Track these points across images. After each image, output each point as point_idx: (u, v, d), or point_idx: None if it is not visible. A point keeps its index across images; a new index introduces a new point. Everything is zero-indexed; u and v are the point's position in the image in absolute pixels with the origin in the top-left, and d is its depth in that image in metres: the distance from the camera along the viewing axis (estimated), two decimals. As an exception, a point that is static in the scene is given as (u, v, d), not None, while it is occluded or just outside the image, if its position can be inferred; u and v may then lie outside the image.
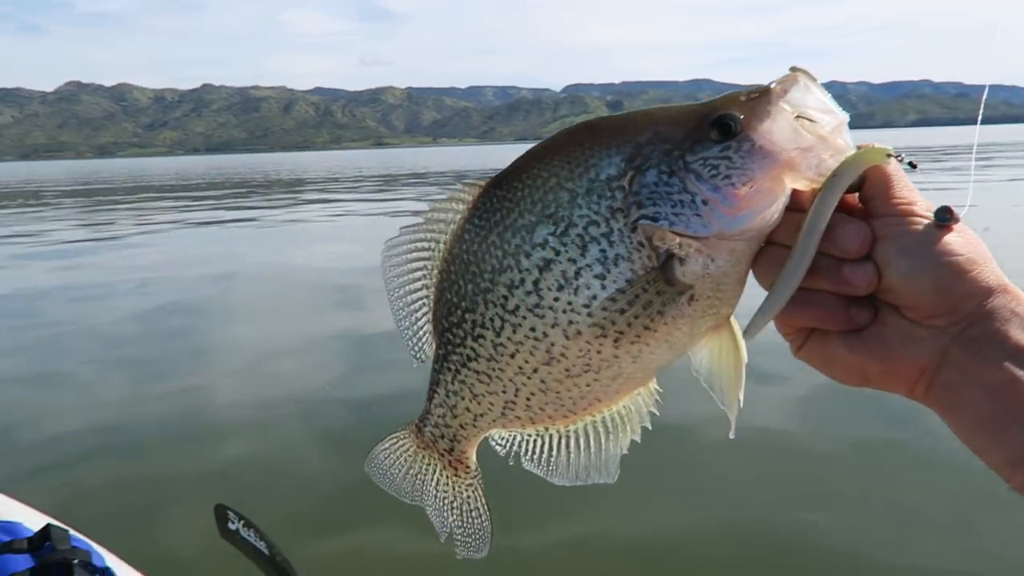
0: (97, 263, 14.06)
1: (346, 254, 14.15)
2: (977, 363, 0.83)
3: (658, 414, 1.11)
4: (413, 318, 1.16)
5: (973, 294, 0.84)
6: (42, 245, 17.00)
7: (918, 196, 0.89)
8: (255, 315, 9.47)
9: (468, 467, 1.21)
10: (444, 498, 1.24)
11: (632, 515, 4.17)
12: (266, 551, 2.37)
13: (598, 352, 1.01)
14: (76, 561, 2.12)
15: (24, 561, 2.12)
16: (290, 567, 2.37)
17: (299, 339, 8.20)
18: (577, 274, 0.98)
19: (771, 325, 0.97)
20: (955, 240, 0.86)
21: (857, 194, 0.92)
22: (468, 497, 1.23)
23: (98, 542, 2.41)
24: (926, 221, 0.87)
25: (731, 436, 1.00)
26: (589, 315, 0.98)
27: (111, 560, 2.39)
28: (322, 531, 4.09)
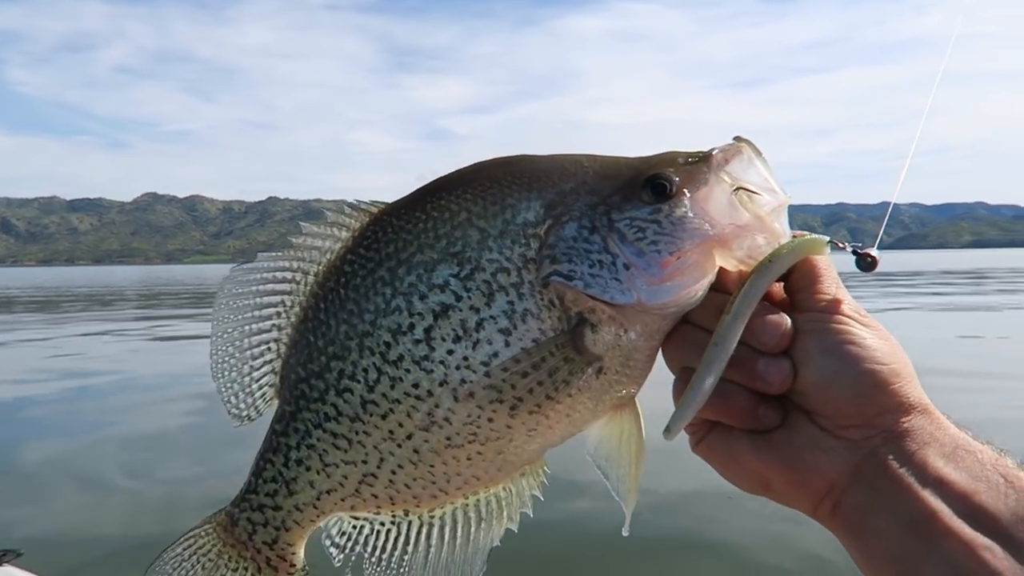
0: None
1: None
2: (892, 488, 0.76)
3: (543, 499, 0.93)
4: (251, 365, 0.94)
5: (892, 409, 0.78)
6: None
7: (847, 295, 0.83)
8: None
9: (293, 565, 0.97)
10: None
11: None
12: None
13: (489, 420, 0.86)
14: None
15: None
16: None
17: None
18: (479, 326, 0.85)
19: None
20: (881, 348, 0.80)
21: (782, 284, 0.86)
22: None
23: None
24: (855, 322, 0.81)
25: (624, 533, 0.89)
26: (487, 375, 0.84)
27: None
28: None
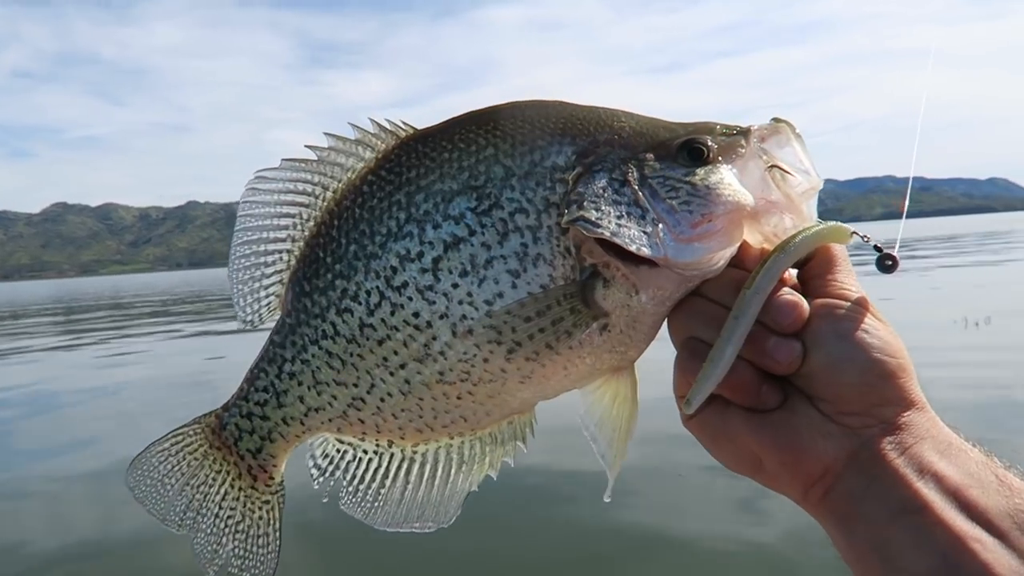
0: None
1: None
2: (886, 477, 0.76)
3: (526, 451, 0.92)
4: (261, 271, 0.94)
5: (894, 401, 0.78)
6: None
7: (860, 287, 0.83)
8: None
9: (272, 478, 0.97)
10: (228, 518, 0.97)
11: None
12: None
13: (484, 360, 0.85)
14: None
15: None
16: None
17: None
18: (488, 263, 0.83)
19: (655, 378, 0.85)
20: (892, 342, 0.80)
21: (795, 271, 0.85)
22: (260, 518, 0.97)
23: None
24: (868, 314, 0.81)
25: (606, 499, 0.89)
26: (488, 314, 0.83)
27: None
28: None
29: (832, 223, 0.84)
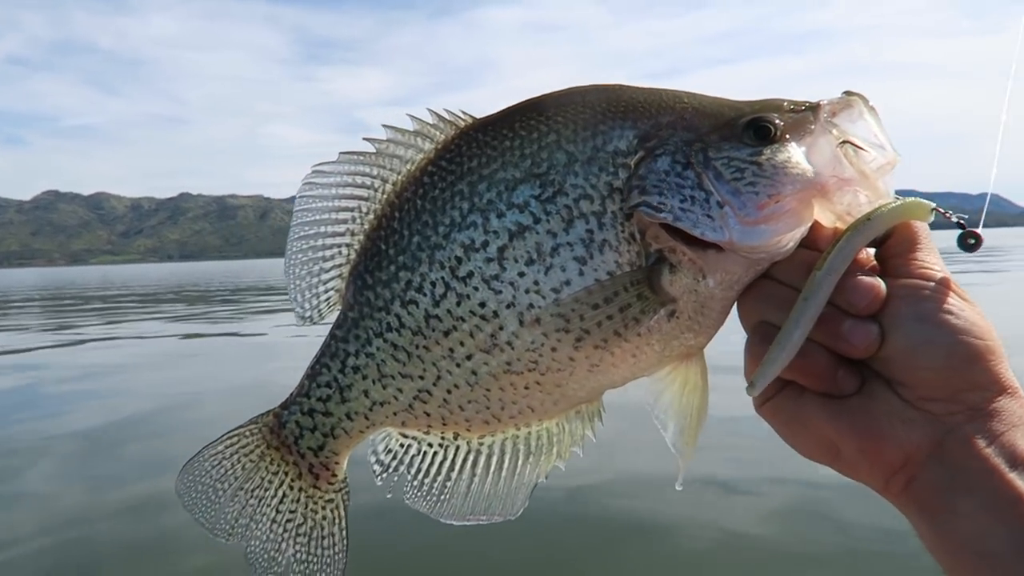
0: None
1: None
2: (975, 467, 0.72)
3: (595, 440, 0.91)
4: (320, 266, 0.93)
5: (982, 386, 0.74)
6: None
7: (943, 266, 0.80)
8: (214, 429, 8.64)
9: (335, 475, 0.96)
10: (287, 521, 0.95)
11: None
12: None
13: (552, 349, 0.84)
14: None
15: None
16: None
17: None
18: (554, 251, 0.82)
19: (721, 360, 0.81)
20: (978, 322, 0.76)
21: (874, 251, 0.82)
22: (324, 518, 0.96)
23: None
24: (952, 295, 0.77)
25: (678, 487, 0.87)
26: (556, 302, 0.82)
27: None
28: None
29: (910, 199, 0.80)
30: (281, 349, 12.10)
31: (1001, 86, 0.96)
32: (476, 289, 0.84)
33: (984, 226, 0.83)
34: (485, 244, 0.84)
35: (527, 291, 0.83)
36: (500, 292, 0.84)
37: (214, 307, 23.27)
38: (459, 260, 0.85)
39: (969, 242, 0.82)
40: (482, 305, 0.84)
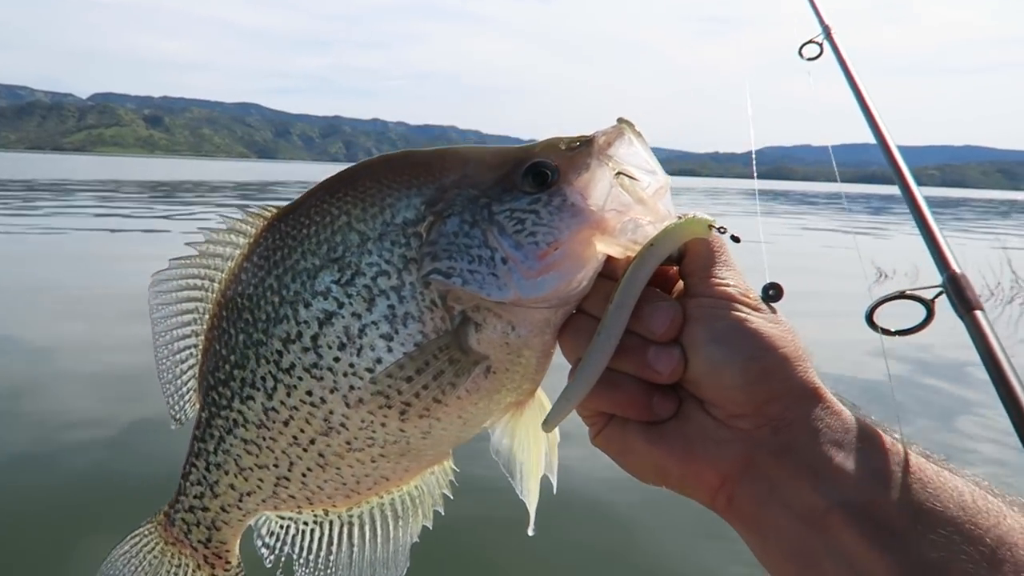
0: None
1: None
2: (785, 479, 0.73)
3: (452, 497, 0.93)
4: (178, 370, 0.98)
5: (780, 396, 0.75)
6: None
7: (740, 278, 0.79)
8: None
9: (229, 562, 1.01)
10: None
11: None
12: None
13: (382, 424, 0.86)
14: None
15: None
16: None
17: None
18: (361, 332, 0.84)
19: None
20: (771, 333, 0.76)
21: (676, 268, 0.82)
22: None
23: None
24: (744, 307, 0.77)
25: (530, 532, 0.88)
26: (372, 381, 0.84)
27: None
28: None
29: (688, 217, 0.79)
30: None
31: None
32: (300, 379, 0.86)
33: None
34: (299, 335, 0.86)
35: (344, 374, 0.84)
36: (322, 379, 0.85)
37: None
38: (280, 353, 0.87)
39: (769, 293, 0.81)
40: (309, 393, 0.86)
